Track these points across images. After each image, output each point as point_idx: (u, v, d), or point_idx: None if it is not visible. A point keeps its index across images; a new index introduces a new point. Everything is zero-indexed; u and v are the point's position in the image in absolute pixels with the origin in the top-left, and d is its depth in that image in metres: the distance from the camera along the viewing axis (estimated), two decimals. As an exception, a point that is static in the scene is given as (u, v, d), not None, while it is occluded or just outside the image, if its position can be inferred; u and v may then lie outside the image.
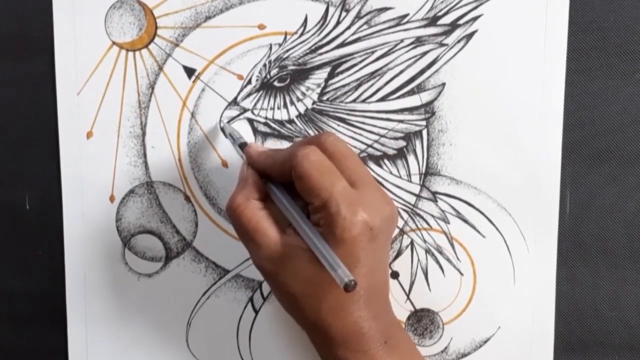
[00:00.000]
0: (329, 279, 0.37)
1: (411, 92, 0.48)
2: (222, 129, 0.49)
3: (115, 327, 0.52)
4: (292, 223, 0.41)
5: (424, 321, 0.49)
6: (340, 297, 0.40)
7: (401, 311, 0.49)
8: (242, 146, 0.46)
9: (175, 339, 0.51)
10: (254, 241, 0.41)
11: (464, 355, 0.49)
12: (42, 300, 0.52)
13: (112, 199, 0.51)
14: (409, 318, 0.49)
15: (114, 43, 0.49)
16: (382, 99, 0.48)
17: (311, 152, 0.40)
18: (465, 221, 0.48)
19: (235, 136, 0.47)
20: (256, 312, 0.51)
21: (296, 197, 0.42)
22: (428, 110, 0.48)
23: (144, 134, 0.50)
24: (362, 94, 0.48)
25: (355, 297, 0.40)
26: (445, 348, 0.49)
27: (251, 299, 0.50)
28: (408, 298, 0.49)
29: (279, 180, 0.43)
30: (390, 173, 0.48)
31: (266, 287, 0.50)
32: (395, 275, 0.49)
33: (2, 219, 0.52)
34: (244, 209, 0.41)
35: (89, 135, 0.50)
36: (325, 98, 0.48)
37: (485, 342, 0.49)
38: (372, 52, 0.48)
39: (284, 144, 0.49)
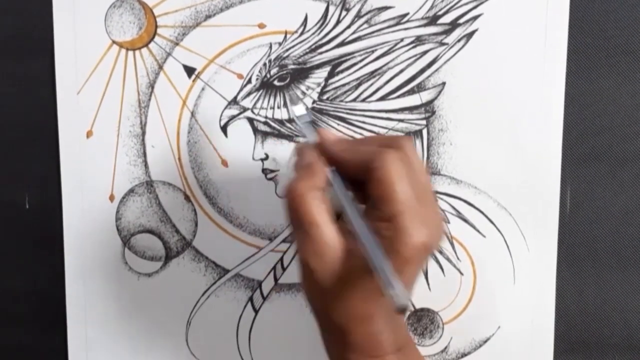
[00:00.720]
0: (368, 286, 0.37)
1: (411, 92, 0.48)
2: (225, 126, 0.48)
3: (115, 327, 0.52)
4: (354, 233, 0.38)
5: (423, 321, 0.49)
6: (372, 307, 0.39)
7: (401, 311, 0.49)
8: (310, 124, 0.43)
9: (175, 339, 0.51)
10: (307, 234, 0.39)
11: (464, 355, 0.49)
12: (41, 300, 0.52)
13: (112, 198, 0.51)
14: (408, 318, 0.49)
15: (113, 42, 0.49)
16: (382, 98, 0.48)
17: (402, 159, 0.38)
18: (465, 221, 0.48)
19: (302, 112, 0.44)
20: (256, 311, 0.50)
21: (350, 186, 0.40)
22: (428, 109, 0.48)
23: (143, 133, 0.50)
24: (362, 93, 0.48)
25: (385, 309, 0.39)
26: (445, 348, 0.49)
27: (251, 299, 0.50)
28: (408, 298, 0.49)
29: (346, 172, 0.41)
30: (390, 172, 0.48)
31: (266, 287, 0.50)
32: (395, 274, 0.49)
33: (1, 219, 0.52)
34: (306, 199, 0.39)
35: (89, 134, 0.50)
36: (325, 97, 0.48)
37: (485, 341, 0.49)
38: (372, 51, 0.48)
39: (284, 143, 0.49)
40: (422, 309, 0.49)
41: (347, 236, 0.39)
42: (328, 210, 0.40)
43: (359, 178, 0.39)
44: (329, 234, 0.39)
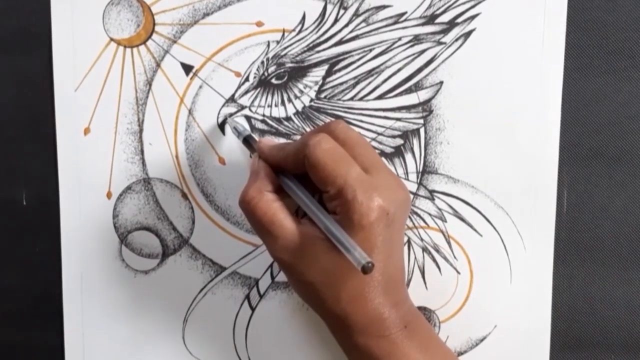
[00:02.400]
0: (347, 267, 0.38)
1: (409, 90, 0.48)
2: (222, 124, 0.49)
3: (111, 324, 0.52)
4: (307, 212, 0.41)
5: (420, 319, 0.49)
6: (360, 284, 0.40)
7: (398, 309, 0.49)
8: (248, 139, 0.46)
9: (171, 336, 0.51)
10: (270, 233, 0.41)
11: (461, 354, 0.49)
12: (38, 297, 0.52)
13: (109, 195, 0.51)
14: (405, 316, 0.49)
15: (111, 39, 0.49)
16: (380, 97, 0.48)
17: (323, 140, 0.40)
18: (462, 219, 0.48)
19: (239, 129, 0.47)
20: (252, 309, 0.51)
21: (309, 188, 0.42)
22: (426, 108, 0.48)
23: (141, 131, 0.50)
24: (359, 91, 0.48)
25: (374, 283, 0.40)
26: (442, 346, 0.49)
27: (247, 297, 0.50)
28: (405, 296, 0.49)
29: (292, 172, 0.43)
30: (388, 171, 0.48)
31: (263, 285, 0.50)
32: (392, 273, 0.49)
33: (-1, 215, 0.52)
34: (257, 202, 0.41)
35: (86, 131, 0.50)
36: (322, 96, 0.48)
37: (482, 340, 0.49)
38: (370, 50, 0.48)
39: (282, 142, 0.49)
40: (419, 308, 0.49)
41: (315, 227, 0.40)
42: (283, 207, 0.42)
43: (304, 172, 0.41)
44: (288, 226, 0.41)
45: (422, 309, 0.49)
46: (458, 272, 0.49)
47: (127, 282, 0.51)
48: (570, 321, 0.48)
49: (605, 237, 0.48)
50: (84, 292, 0.51)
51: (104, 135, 0.50)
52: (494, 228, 0.48)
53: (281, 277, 0.50)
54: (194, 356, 0.51)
